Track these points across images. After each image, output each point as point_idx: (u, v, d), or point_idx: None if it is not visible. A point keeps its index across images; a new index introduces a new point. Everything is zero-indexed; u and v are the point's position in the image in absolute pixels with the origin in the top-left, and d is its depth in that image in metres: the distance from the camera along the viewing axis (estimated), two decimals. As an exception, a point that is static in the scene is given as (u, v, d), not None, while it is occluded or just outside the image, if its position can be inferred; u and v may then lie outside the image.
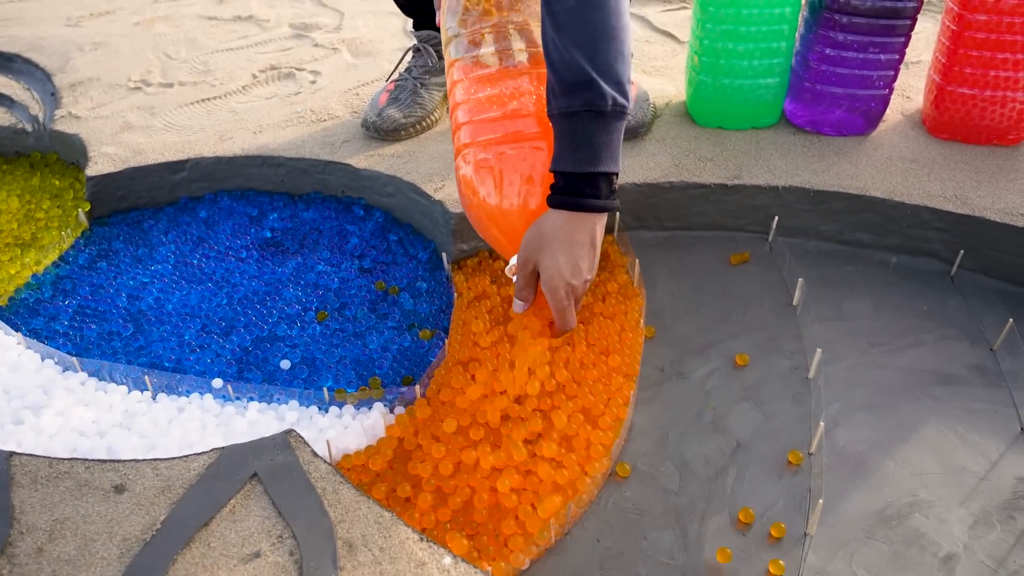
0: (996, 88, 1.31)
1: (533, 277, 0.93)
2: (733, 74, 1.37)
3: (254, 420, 0.98)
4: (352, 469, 0.95)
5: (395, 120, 1.44)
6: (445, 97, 1.53)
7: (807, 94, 1.38)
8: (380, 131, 1.44)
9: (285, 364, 1.10)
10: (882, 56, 1.31)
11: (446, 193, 1.30)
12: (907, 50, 1.67)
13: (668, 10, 2.00)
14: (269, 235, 1.35)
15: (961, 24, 1.29)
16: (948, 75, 1.34)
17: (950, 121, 1.37)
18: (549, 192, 0.92)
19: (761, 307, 1.21)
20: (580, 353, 1.07)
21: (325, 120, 1.54)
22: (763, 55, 1.35)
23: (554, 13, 0.86)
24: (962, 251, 1.24)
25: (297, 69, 1.76)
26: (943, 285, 1.24)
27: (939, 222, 1.24)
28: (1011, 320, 1.10)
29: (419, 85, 1.48)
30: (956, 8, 1.30)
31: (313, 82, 1.70)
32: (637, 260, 1.23)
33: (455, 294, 1.20)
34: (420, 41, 1.51)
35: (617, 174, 0.91)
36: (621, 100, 0.87)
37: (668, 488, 0.95)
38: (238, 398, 1.03)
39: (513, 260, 0.98)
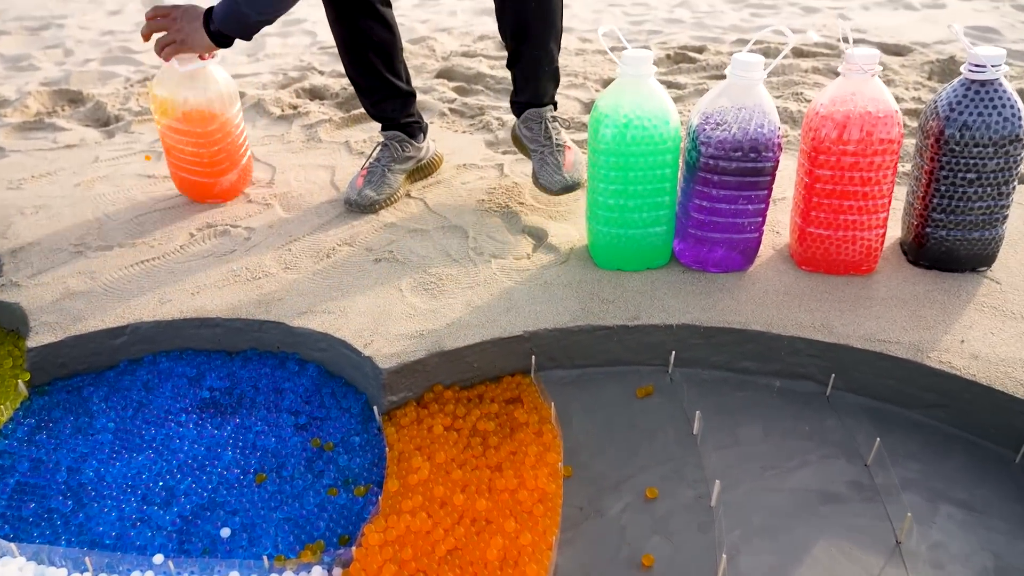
0: (846, 229, 1.44)
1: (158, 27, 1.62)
2: (626, 225, 1.46)
3: (195, 599, 0.95)
4: (293, 640, 0.93)
5: (371, 198, 1.76)
6: (406, 178, 1.87)
7: (691, 238, 1.48)
8: (360, 207, 1.76)
9: (225, 532, 1.08)
10: (750, 206, 1.43)
11: (375, 348, 1.32)
12: (775, 188, 1.82)
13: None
14: (208, 395, 1.34)
15: (812, 178, 1.42)
16: (806, 218, 1.46)
17: (812, 256, 1.49)
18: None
19: (666, 438, 1.26)
20: (504, 500, 1.09)
21: (259, 278, 1.55)
22: (650, 208, 1.45)
23: None
24: (833, 375, 1.32)
25: (232, 226, 1.78)
26: (820, 405, 1.32)
27: (811, 350, 1.33)
28: (878, 439, 1.18)
29: (387, 170, 1.81)
30: (806, 164, 1.43)
31: (247, 239, 1.72)
32: (553, 403, 1.27)
33: (387, 447, 1.20)
34: (387, 139, 1.85)
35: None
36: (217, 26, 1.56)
37: (592, 631, 0.96)
38: (179, 574, 1.00)
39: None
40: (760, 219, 1.46)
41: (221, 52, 1.84)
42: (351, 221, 1.78)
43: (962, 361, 1.26)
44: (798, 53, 2.95)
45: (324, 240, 1.70)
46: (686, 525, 1.11)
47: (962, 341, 1.30)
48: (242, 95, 2.69)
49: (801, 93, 2.47)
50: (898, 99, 2.39)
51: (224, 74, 1.80)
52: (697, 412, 1.26)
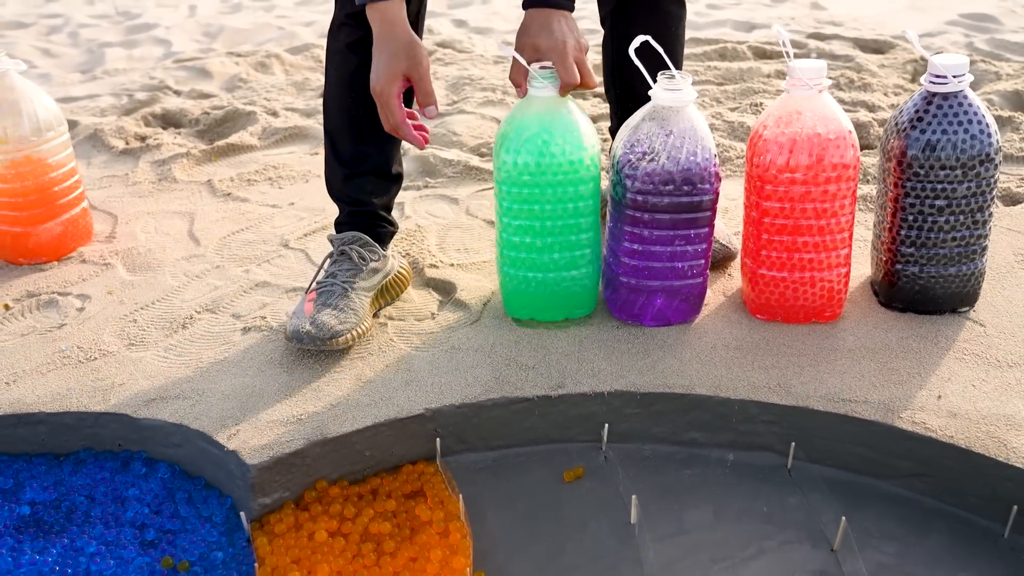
0: (803, 270, 1.57)
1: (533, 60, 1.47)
2: (537, 268, 1.56)
3: None
4: None
5: (331, 328, 1.52)
6: (374, 303, 1.68)
7: (624, 288, 1.59)
8: (317, 341, 1.51)
9: None
10: (688, 247, 1.55)
11: (241, 440, 1.37)
12: (725, 219, 1.96)
13: (483, 190, 2.23)
14: (28, 511, 1.36)
15: (759, 211, 1.56)
16: (757, 259, 1.59)
17: (767, 303, 1.61)
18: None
19: (599, 530, 1.34)
20: (401, 620, 1.15)
21: (95, 359, 1.60)
22: (565, 247, 1.56)
23: None
24: (793, 443, 1.43)
25: (60, 294, 1.81)
26: (781, 480, 1.42)
27: (767, 415, 1.44)
28: (844, 519, 1.28)
29: (348, 289, 1.60)
30: (753, 196, 1.57)
31: (81, 309, 1.76)
32: (461, 496, 1.34)
33: (256, 563, 1.25)
34: (343, 244, 1.66)
35: None
36: None
37: None
38: None
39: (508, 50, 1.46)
40: (703, 262, 1.58)
41: (45, 67, 1.88)
42: (214, 281, 1.84)
43: (939, 420, 1.38)
44: (759, 54, 3.16)
45: (179, 307, 1.75)
46: (621, 635, 1.18)
47: (939, 397, 1.43)
48: (74, 124, 2.74)
49: (760, 104, 2.65)
50: (873, 107, 2.59)
51: (36, 92, 1.86)
52: (633, 497, 1.35)
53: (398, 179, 1.73)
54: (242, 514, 1.34)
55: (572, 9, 1.49)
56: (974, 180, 1.53)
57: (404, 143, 1.72)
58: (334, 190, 1.72)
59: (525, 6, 1.47)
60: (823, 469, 1.43)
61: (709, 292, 1.67)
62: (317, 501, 1.37)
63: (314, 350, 1.54)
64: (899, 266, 1.60)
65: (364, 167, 1.66)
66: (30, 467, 1.44)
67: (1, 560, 1.28)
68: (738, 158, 2.30)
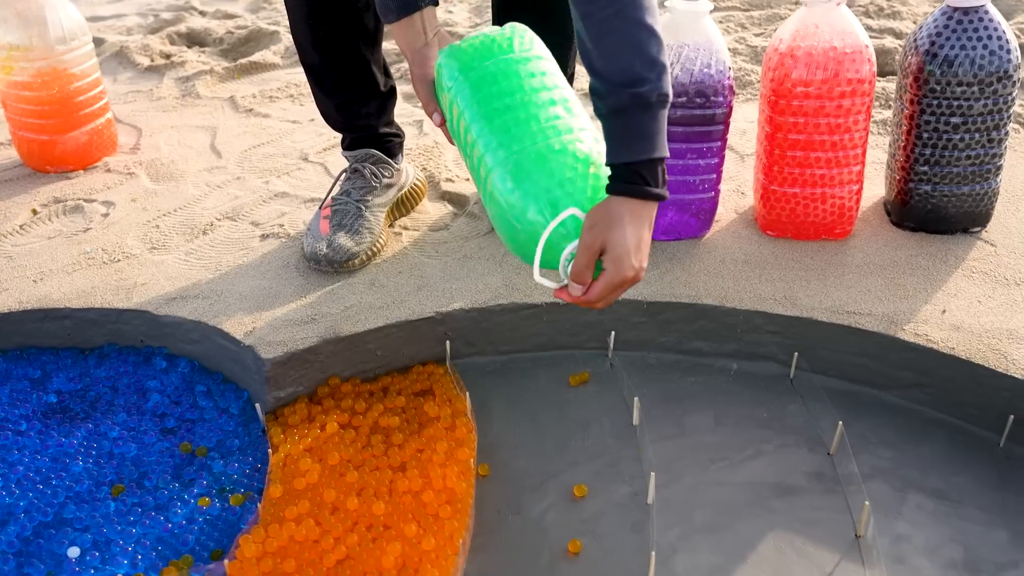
0: (815, 186, 1.58)
1: (596, 257, 1.10)
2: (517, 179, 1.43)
3: (37, 622, 1.05)
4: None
5: (347, 250, 1.57)
6: (389, 216, 1.70)
7: (635, 201, 1.61)
8: (333, 263, 1.56)
9: (74, 552, 1.18)
10: (701, 161, 1.57)
11: (257, 337, 1.43)
12: (742, 142, 1.97)
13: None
14: (55, 400, 1.43)
15: (773, 127, 1.57)
16: (770, 175, 1.60)
17: (778, 219, 1.63)
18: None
19: (601, 431, 1.39)
20: (406, 503, 1.21)
21: (119, 260, 1.65)
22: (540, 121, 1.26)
23: (594, 23, 1.10)
24: (796, 353, 1.47)
25: (86, 201, 1.87)
26: (783, 389, 1.46)
27: (771, 325, 1.47)
28: (840, 423, 1.32)
29: (362, 208, 1.63)
30: (767, 111, 1.58)
31: (105, 215, 1.81)
32: (468, 393, 1.39)
33: (270, 449, 1.31)
34: (357, 161, 1.67)
35: (666, 157, 1.13)
36: (665, 89, 1.11)
37: (502, 642, 1.09)
38: (18, 598, 1.10)
39: (536, 267, 1.12)
40: (715, 176, 1.60)
41: None
42: (234, 191, 1.89)
43: (941, 333, 1.40)
44: (790, -19, 3.11)
45: (200, 214, 1.80)
46: (618, 525, 1.24)
47: (943, 311, 1.45)
48: (100, 42, 2.78)
49: (788, 30, 2.62)
50: (900, 35, 2.56)
51: (61, 2, 1.90)
52: (636, 399, 1.39)
53: (391, 93, 1.70)
54: (257, 406, 1.40)
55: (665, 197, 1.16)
56: (991, 97, 1.53)
57: (384, 51, 1.68)
58: (331, 121, 1.70)
59: (613, 190, 1.11)
60: (825, 379, 1.47)
61: (720, 208, 1.69)
62: (330, 396, 1.43)
63: (330, 271, 1.58)
64: (912, 184, 1.61)
65: (353, 92, 1.65)
66: (57, 359, 1.51)
67: (29, 441, 1.36)
68: (759, 82, 2.29)
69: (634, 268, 1.11)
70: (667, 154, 1.13)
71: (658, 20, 1.12)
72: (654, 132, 1.10)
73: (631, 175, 1.10)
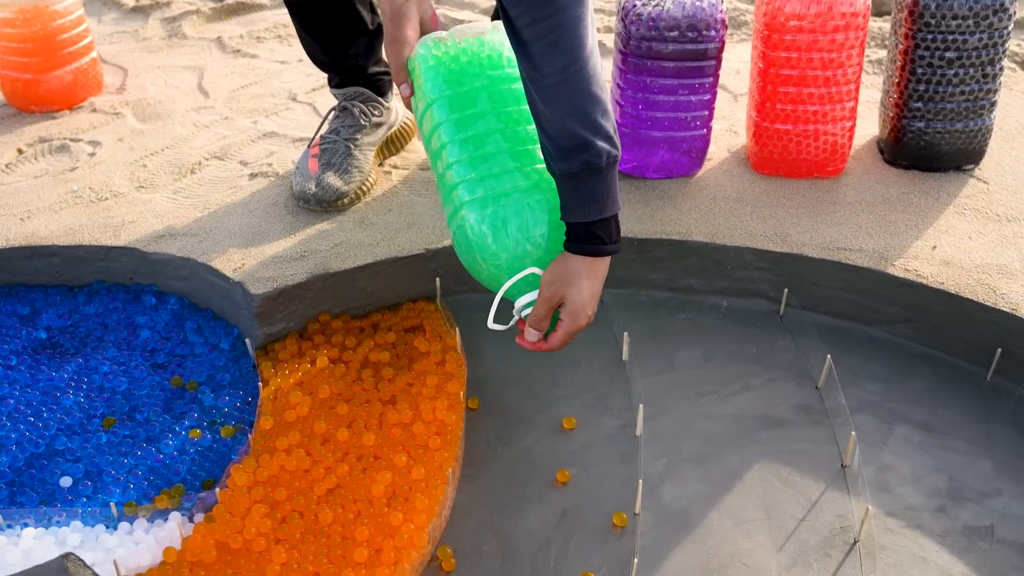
0: (808, 122, 1.58)
1: (554, 309, 1.20)
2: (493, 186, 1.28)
3: (29, 548, 1.07)
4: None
5: (336, 189, 1.56)
6: (379, 155, 1.69)
7: (626, 139, 1.61)
8: (323, 203, 1.56)
9: (66, 481, 1.19)
10: (692, 97, 1.56)
11: (247, 272, 1.43)
12: (735, 81, 1.96)
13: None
14: (44, 336, 1.44)
15: (767, 62, 1.56)
16: (762, 112, 1.60)
17: (770, 157, 1.63)
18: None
19: (591, 366, 1.40)
20: (395, 435, 1.22)
21: (107, 198, 1.65)
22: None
23: (541, 89, 1.12)
24: (786, 290, 1.47)
25: (72, 140, 1.86)
26: (773, 326, 1.47)
27: (762, 262, 1.48)
28: (828, 356, 1.33)
29: (351, 146, 1.62)
30: (760, 46, 1.57)
31: (92, 154, 1.80)
32: (458, 329, 1.39)
33: (261, 383, 1.32)
34: (345, 99, 1.66)
35: (618, 212, 1.19)
36: (613, 152, 1.14)
37: (491, 568, 1.10)
38: (9, 525, 1.11)
39: (492, 315, 1.22)
40: (707, 113, 1.59)
41: None
42: (222, 131, 1.87)
43: (931, 268, 1.41)
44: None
45: (187, 154, 1.79)
46: (606, 455, 1.25)
47: (934, 247, 1.46)
48: (85, -18, 2.73)
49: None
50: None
51: None
52: (625, 334, 1.40)
53: (378, 31, 1.65)
54: (247, 341, 1.40)
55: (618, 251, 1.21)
56: (986, 31, 1.52)
57: None
58: (318, 61, 1.68)
59: (570, 249, 1.17)
60: (814, 316, 1.47)
61: (712, 147, 1.68)
62: (320, 332, 1.43)
63: (320, 211, 1.57)
64: (906, 121, 1.61)
65: (339, 32, 1.62)
66: (46, 296, 1.51)
67: (20, 376, 1.36)
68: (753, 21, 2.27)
69: (588, 317, 1.20)
70: (619, 209, 1.17)
71: (604, 87, 1.14)
72: (606, 192, 1.15)
73: (587, 235, 1.16)
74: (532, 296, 1.21)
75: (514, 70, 1.22)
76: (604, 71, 1.15)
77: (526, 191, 1.20)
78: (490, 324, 1.22)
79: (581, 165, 1.12)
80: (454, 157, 1.22)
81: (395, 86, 1.70)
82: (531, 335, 1.22)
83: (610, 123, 1.14)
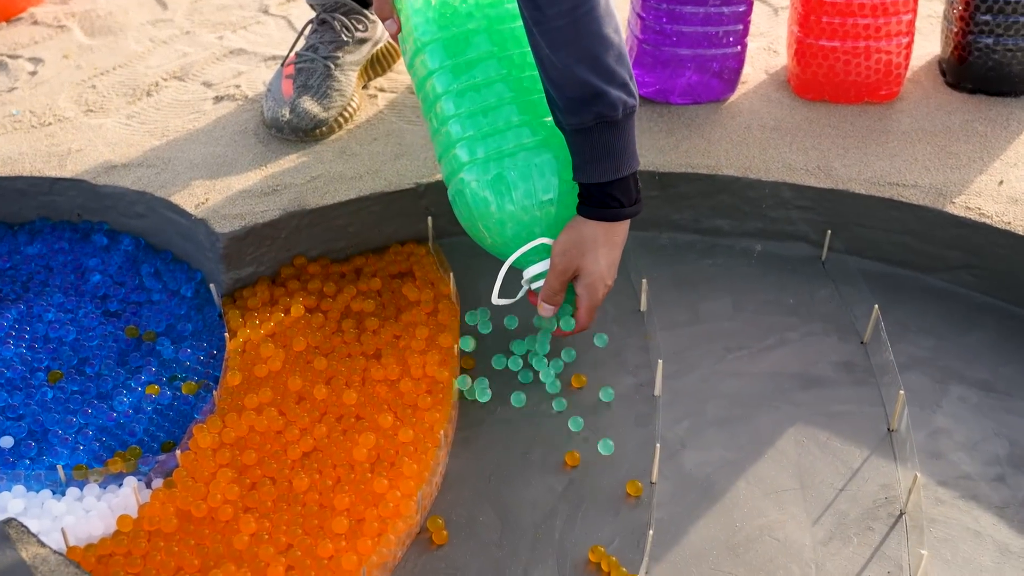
0: (858, 38, 1.57)
1: (568, 281, 1.21)
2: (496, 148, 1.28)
3: (-33, 514, 1.09)
4: (102, 559, 1.07)
5: (314, 116, 1.56)
6: (362, 76, 1.68)
7: (648, 58, 1.60)
8: (298, 131, 1.56)
9: (6, 441, 1.21)
10: (725, 9, 1.54)
11: (210, 209, 1.43)
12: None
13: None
14: (-20, 280, 1.45)
15: (811, -34, 1.54)
16: (805, 25, 1.58)
17: (814, 78, 1.62)
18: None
19: (604, 317, 1.40)
20: (380, 393, 1.23)
21: (50, 123, 1.65)
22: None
23: (546, 32, 1.10)
24: (829, 232, 1.47)
25: (10, 57, 1.85)
26: (813, 272, 1.47)
27: (802, 199, 1.47)
28: (876, 307, 1.33)
29: (331, 66, 1.61)
30: (804, -52, 1.55)
31: (33, 73, 1.80)
32: (452, 275, 1.40)
33: (227, 334, 1.33)
34: (324, 11, 1.65)
35: (636, 169, 1.18)
36: (630, 101, 1.13)
37: (487, 541, 1.12)
38: (-56, 491, 1.13)
39: (497, 289, 1.23)
40: (741, 27, 1.58)
41: None
42: (183, 48, 1.87)
43: (997, 206, 1.41)
44: None
45: (144, 73, 1.79)
46: (620, 418, 1.26)
47: (1000, 182, 1.45)
48: None
49: None
50: None
51: None
52: (644, 282, 1.40)
53: None
54: (212, 287, 1.41)
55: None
56: (1068, -67, 1.50)
57: None
58: None
59: (584, 213, 1.18)
60: (861, 261, 1.48)
61: (748, 68, 1.67)
62: (295, 278, 1.44)
63: (295, 140, 1.57)
64: (972, 37, 1.60)
65: None
66: (-19, 236, 1.52)
67: (-47, 324, 1.38)
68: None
69: (607, 287, 1.22)
70: (638, 166, 1.17)
71: (619, 27, 1.12)
72: (623, 148, 1.14)
73: (603, 197, 1.16)
74: (542, 267, 1.22)
75: (515, 6, 1.21)
76: (618, 6, 1.15)
77: (533, 150, 1.21)
78: (495, 299, 1.23)
79: (594, 118, 1.12)
80: (450, 111, 1.23)
81: None
82: (545, 310, 1.23)
83: (626, 68, 1.13)
